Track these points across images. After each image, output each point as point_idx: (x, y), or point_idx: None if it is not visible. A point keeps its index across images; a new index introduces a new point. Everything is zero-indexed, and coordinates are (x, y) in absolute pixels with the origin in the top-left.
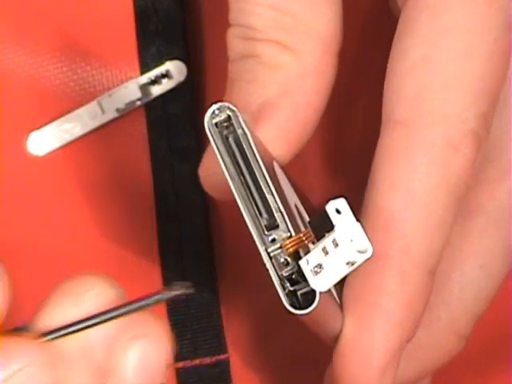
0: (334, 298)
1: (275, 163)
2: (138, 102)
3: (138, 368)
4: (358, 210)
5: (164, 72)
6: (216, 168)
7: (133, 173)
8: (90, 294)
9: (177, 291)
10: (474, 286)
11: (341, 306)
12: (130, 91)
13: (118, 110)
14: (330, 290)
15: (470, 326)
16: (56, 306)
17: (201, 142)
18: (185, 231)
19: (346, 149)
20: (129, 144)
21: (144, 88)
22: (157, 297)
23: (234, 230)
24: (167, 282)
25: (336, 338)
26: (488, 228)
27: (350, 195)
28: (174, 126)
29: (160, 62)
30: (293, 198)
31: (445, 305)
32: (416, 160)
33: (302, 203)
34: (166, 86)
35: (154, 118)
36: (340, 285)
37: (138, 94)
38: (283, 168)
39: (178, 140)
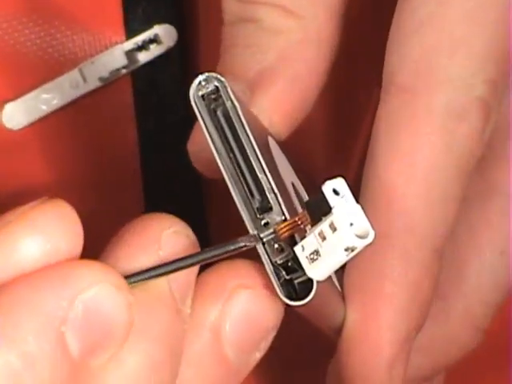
0: (335, 285)
1: (271, 139)
2: (124, 70)
3: (240, 322)
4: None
5: (152, 37)
6: (203, 143)
7: (118, 148)
8: (169, 233)
9: (253, 242)
10: (492, 274)
11: (342, 293)
12: (114, 58)
13: (101, 79)
14: (330, 277)
15: (488, 317)
16: (135, 247)
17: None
18: (176, 212)
19: (353, 126)
20: (113, 116)
21: (130, 54)
22: (233, 246)
23: (230, 211)
24: None
25: (339, 330)
26: (507, 210)
27: (358, 177)
28: (163, 96)
29: (148, 26)
30: (290, 177)
31: (461, 294)
32: (418, 130)
33: (303, 183)
34: (154, 52)
35: (141, 87)
36: (341, 270)
37: (124, 61)
38: (280, 144)
39: (167, 111)
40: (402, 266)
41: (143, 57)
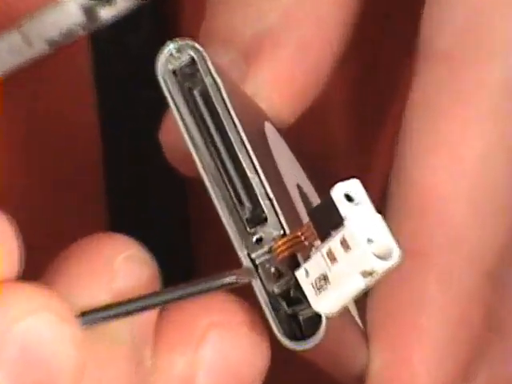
0: (355, 320)
1: (269, 126)
2: (80, 31)
3: (216, 370)
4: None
5: None
6: (178, 132)
7: (72, 132)
8: (122, 259)
9: (246, 278)
10: None
11: (365, 330)
12: (67, 14)
13: (49, 42)
14: (347, 309)
15: None
16: (82, 276)
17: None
18: (148, 218)
19: (379, 108)
20: (66, 91)
21: (88, 10)
22: (217, 282)
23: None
24: None
25: (360, 378)
26: None
27: (385, 175)
28: (132, 65)
29: None
30: (295, 177)
31: None
32: (465, 111)
33: (315, 184)
34: (120, 6)
35: (103, 53)
36: (363, 299)
37: (80, 19)
38: (284, 132)
39: (138, 86)
40: (443, 294)
41: (106, 13)
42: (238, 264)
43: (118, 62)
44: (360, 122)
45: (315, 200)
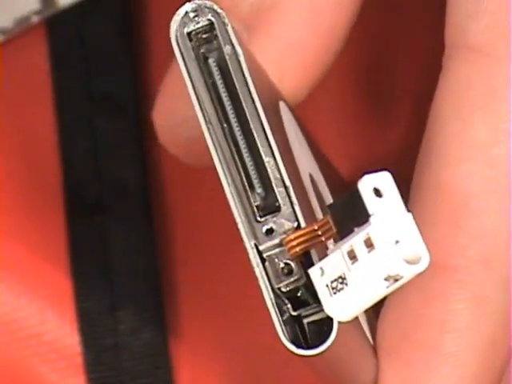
0: (363, 331)
1: (283, 105)
2: (36, 18)
3: None
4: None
5: None
6: (183, 109)
7: (27, 134)
8: None
9: None
10: None
11: (374, 345)
12: (21, 1)
13: (2, 31)
14: (357, 319)
15: None
16: None
17: (138, 82)
18: (112, 230)
19: (391, 96)
20: (19, 88)
21: None
22: None
23: (194, 224)
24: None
25: None
26: None
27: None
28: (94, 56)
29: None
30: (307, 165)
31: None
32: (502, 112)
33: (324, 174)
34: None
35: (61, 43)
36: (374, 309)
37: (36, 5)
38: (296, 114)
39: (100, 79)
40: (472, 314)
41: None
42: None
43: (78, 51)
44: (374, 97)
45: (325, 192)
